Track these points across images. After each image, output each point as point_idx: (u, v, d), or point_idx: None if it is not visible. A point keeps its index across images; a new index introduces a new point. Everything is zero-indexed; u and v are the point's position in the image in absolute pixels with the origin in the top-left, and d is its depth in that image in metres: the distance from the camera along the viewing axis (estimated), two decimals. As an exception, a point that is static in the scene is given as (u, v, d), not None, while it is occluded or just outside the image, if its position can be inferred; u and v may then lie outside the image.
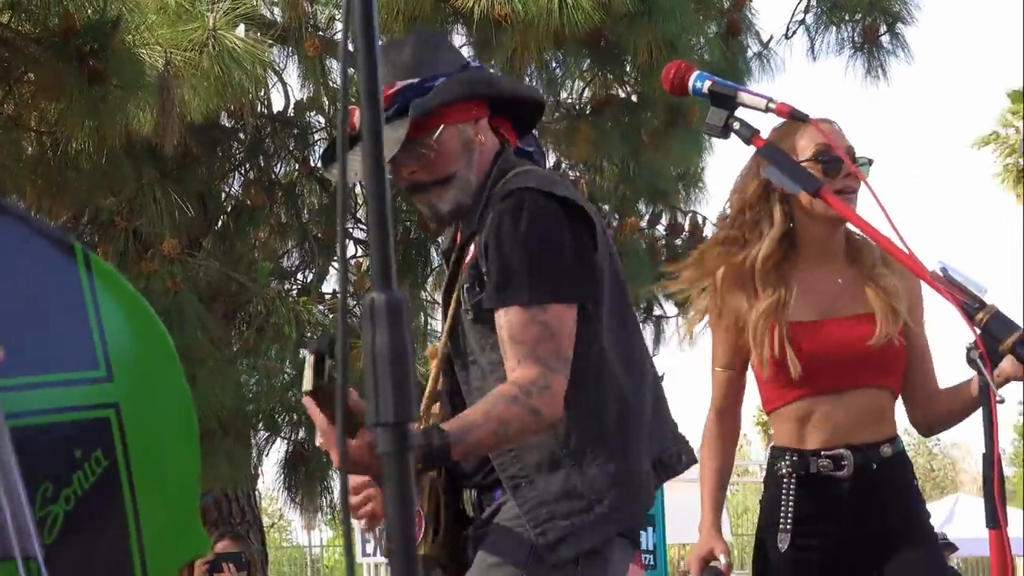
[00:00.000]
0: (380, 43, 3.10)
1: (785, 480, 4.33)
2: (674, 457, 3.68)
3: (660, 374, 3.79)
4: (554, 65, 9.76)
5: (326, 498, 10.05)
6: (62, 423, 2.07)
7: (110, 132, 8.49)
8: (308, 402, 3.09)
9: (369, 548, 18.89)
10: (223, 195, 10.50)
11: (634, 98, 10.17)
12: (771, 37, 11.11)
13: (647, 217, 11.00)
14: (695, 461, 3.80)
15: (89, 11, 8.23)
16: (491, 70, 3.58)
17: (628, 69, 9.77)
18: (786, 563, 4.30)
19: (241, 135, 10.37)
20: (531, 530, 3.44)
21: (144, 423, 2.14)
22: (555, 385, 3.36)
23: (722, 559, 4.33)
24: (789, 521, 4.30)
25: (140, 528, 2.13)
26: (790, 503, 4.31)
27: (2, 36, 8.55)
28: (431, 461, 3.25)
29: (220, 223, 10.40)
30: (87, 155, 8.96)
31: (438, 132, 3.58)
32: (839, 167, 4.29)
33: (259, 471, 10.66)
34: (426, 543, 3.58)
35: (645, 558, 12.09)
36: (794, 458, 4.33)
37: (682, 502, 11.26)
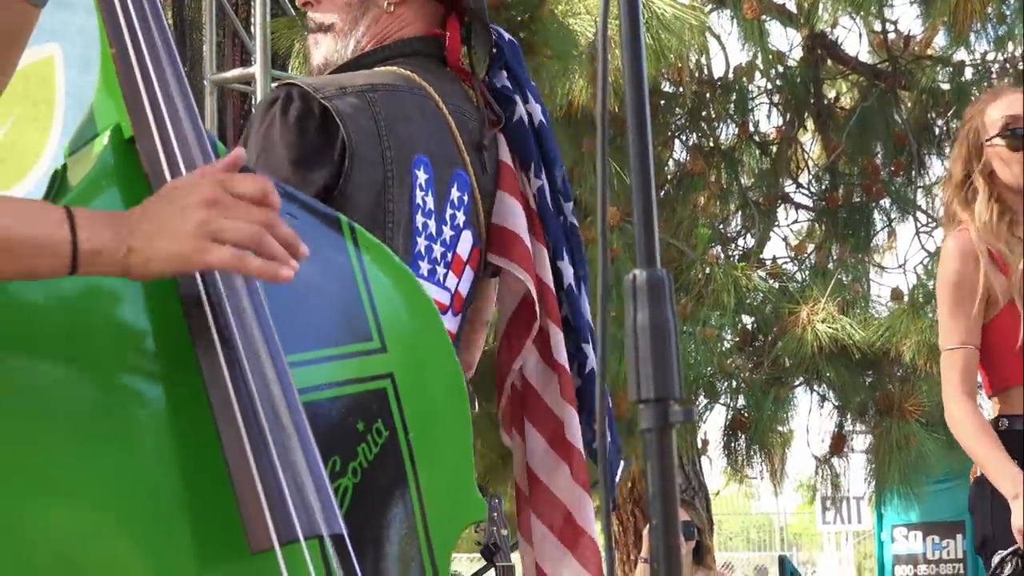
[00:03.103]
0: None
1: None
2: None
3: None
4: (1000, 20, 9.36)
5: (767, 465, 9.97)
6: (343, 396, 2.10)
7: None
8: None
9: (829, 516, 18.69)
10: (665, 162, 10.51)
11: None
12: None
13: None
14: None
15: (519, -18, 8.35)
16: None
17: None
18: None
19: (682, 100, 10.35)
20: None
21: (418, 392, 2.16)
22: None
23: None
24: None
25: (421, 496, 2.16)
26: None
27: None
28: None
29: (662, 190, 10.41)
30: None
31: None
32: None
33: (705, 438, 10.62)
34: None
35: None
36: None
37: None
